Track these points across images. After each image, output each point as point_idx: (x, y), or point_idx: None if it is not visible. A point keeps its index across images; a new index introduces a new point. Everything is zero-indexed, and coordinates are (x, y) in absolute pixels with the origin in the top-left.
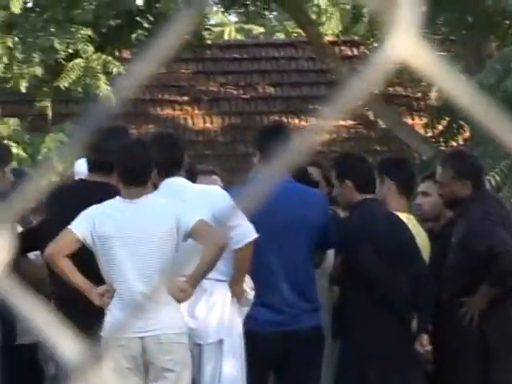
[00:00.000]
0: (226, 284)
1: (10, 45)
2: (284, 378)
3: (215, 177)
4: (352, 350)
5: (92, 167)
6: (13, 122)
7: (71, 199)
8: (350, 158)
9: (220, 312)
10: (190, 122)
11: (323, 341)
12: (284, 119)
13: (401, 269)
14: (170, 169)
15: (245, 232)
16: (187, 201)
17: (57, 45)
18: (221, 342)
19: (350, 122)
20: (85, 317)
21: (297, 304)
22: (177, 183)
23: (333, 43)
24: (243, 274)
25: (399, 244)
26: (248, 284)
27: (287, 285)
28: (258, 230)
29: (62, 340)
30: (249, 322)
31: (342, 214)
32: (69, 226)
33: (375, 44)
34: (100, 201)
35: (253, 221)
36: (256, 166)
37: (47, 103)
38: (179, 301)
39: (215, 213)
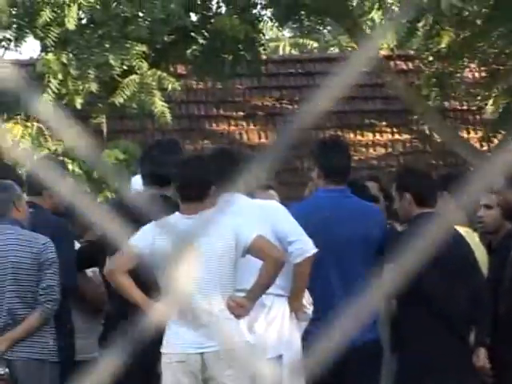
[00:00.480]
0: (285, 299)
1: (65, 61)
2: None
3: (272, 191)
4: (410, 364)
5: (147, 181)
6: None
7: (129, 213)
8: (412, 171)
9: (279, 327)
10: (245, 137)
11: (381, 354)
12: (339, 133)
13: (459, 283)
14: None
15: (304, 246)
16: (246, 216)
17: (112, 61)
18: (280, 357)
19: (405, 136)
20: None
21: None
22: (235, 199)
23: (387, 57)
24: (302, 288)
25: (458, 258)
26: (307, 299)
27: (345, 299)
28: (316, 244)
29: None
30: (307, 336)
31: (400, 227)
32: (128, 242)
33: (430, 58)
34: (157, 213)
35: (311, 235)
36: (314, 180)
37: (102, 119)
38: (238, 316)
39: (274, 228)
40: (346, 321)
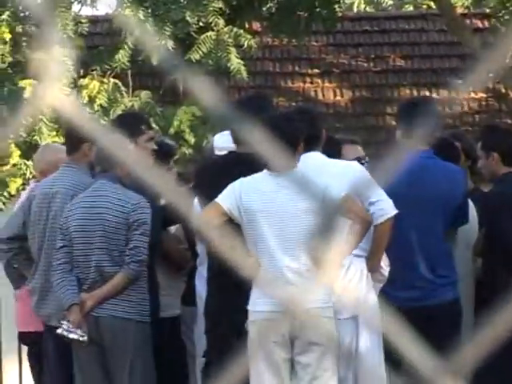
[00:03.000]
0: (363, 259)
1: (142, 18)
2: None
3: (359, 147)
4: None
5: (240, 138)
6: (144, 94)
7: (221, 171)
8: (498, 130)
9: (356, 287)
10: (320, 94)
11: (461, 314)
12: (414, 92)
13: None
14: (309, 144)
15: (385, 207)
16: (326, 176)
17: (188, 18)
18: (356, 317)
19: (480, 95)
20: (234, 289)
21: (433, 279)
22: (315, 158)
23: (464, 15)
24: (382, 249)
25: None
26: (384, 260)
27: (423, 260)
28: (399, 205)
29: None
30: (384, 297)
31: (486, 187)
32: (216, 199)
33: (506, 16)
34: (248, 171)
35: (394, 196)
36: (398, 139)
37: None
38: None
39: (355, 188)
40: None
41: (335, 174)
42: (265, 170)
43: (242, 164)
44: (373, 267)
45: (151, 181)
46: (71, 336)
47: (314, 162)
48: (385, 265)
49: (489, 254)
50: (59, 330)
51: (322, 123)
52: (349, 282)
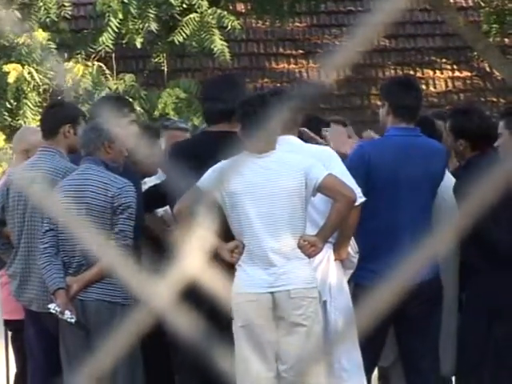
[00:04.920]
0: (329, 245)
1: (125, 0)
2: (403, 330)
3: (346, 128)
4: (476, 307)
5: (214, 118)
6: (128, 77)
7: (196, 151)
8: (467, 115)
9: (324, 272)
10: (304, 75)
11: (441, 293)
12: (399, 72)
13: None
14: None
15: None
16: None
17: (172, 0)
18: (324, 302)
19: (466, 73)
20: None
21: None
22: (291, 142)
23: None
24: (349, 236)
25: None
26: (352, 247)
27: (411, 238)
28: (388, 183)
29: None
30: (360, 275)
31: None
32: (197, 183)
33: None
34: (217, 150)
35: (383, 174)
36: (384, 117)
37: (162, 58)
38: (309, 256)
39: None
40: (408, 265)
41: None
42: (244, 152)
43: (213, 143)
44: (341, 254)
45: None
46: (60, 316)
47: (288, 145)
48: (353, 251)
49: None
50: (51, 306)
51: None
52: (316, 266)
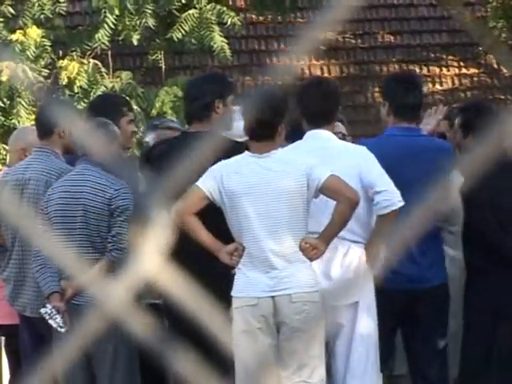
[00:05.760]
0: (361, 245)
1: None
2: (410, 334)
3: (341, 124)
4: (479, 308)
5: (187, 118)
6: (125, 75)
7: (171, 153)
8: (475, 109)
9: (355, 274)
10: (307, 72)
11: (448, 299)
12: (404, 68)
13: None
14: (319, 120)
15: (392, 198)
16: (330, 155)
17: None
18: (356, 304)
19: (473, 70)
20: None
21: (421, 262)
22: (321, 136)
23: None
24: (382, 239)
25: None
26: (383, 250)
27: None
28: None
29: None
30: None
31: None
32: (196, 183)
33: None
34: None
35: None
36: (385, 117)
37: (160, 56)
38: (311, 259)
39: (361, 174)
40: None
41: (338, 154)
42: (246, 152)
43: (191, 143)
44: (372, 256)
45: None
46: (50, 322)
47: (318, 140)
48: (383, 254)
49: (466, 241)
50: (42, 310)
51: (336, 98)
52: (347, 267)
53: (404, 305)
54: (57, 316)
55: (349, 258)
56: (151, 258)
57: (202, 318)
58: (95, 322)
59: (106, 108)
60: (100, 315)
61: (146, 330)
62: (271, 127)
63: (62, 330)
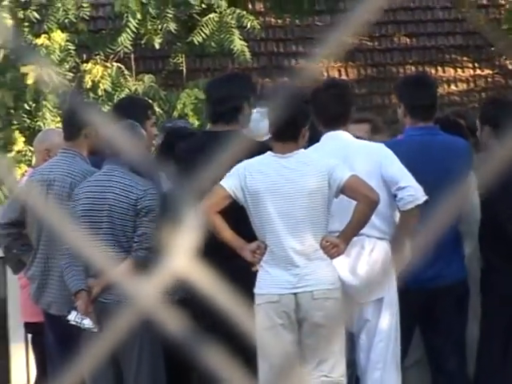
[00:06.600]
0: (386, 242)
1: (144, 0)
2: (429, 329)
3: (366, 125)
4: (496, 312)
5: (215, 118)
6: (148, 78)
7: (198, 152)
8: (494, 103)
9: (381, 270)
10: (325, 74)
11: (468, 294)
12: (420, 70)
13: None
14: (335, 121)
15: (415, 194)
16: (351, 155)
17: None
18: (381, 299)
19: (487, 72)
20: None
21: (439, 260)
22: (340, 137)
23: None
24: (406, 235)
25: None
26: (407, 246)
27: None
28: None
29: None
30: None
31: None
32: (220, 182)
33: None
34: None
35: None
36: (402, 119)
37: (181, 59)
38: (331, 256)
39: (382, 171)
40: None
41: (357, 154)
42: (269, 152)
43: (217, 142)
44: (395, 252)
45: None
46: (81, 326)
47: (337, 140)
48: (407, 250)
49: (483, 240)
50: (69, 318)
51: (351, 100)
52: (374, 264)
53: (423, 303)
54: (84, 320)
55: (375, 254)
56: (182, 255)
57: (231, 314)
58: (127, 320)
59: (133, 110)
60: (132, 312)
61: (177, 326)
62: (296, 128)
63: (95, 330)
